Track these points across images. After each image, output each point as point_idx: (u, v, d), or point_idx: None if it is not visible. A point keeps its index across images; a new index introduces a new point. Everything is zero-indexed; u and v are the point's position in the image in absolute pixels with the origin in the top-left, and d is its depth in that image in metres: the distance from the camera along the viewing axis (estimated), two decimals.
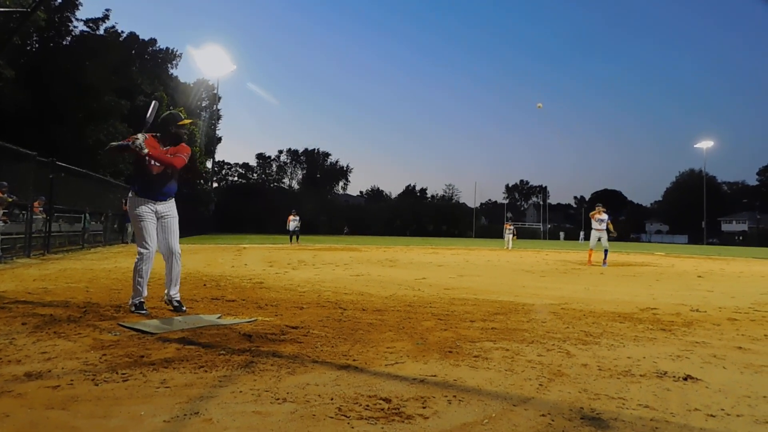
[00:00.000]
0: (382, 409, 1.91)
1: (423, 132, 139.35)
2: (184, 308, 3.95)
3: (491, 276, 8.24)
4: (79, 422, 1.72)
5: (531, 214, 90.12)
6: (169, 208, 4.04)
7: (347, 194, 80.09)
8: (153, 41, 35.46)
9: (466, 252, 18.30)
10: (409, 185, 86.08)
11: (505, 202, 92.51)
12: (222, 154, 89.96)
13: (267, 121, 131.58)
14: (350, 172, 77.95)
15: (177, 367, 2.39)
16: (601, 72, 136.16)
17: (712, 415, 1.96)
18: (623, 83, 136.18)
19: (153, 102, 4.10)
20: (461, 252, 18.12)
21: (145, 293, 3.88)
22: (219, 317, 3.71)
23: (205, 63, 37.22)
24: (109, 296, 4.63)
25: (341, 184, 78.45)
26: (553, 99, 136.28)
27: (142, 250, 3.84)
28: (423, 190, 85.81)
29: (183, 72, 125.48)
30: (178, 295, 4.03)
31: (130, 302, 3.86)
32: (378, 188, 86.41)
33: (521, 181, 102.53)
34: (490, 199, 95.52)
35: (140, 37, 34.32)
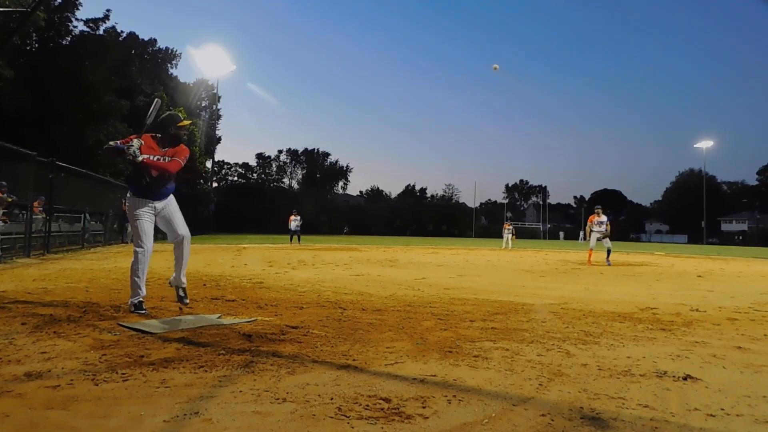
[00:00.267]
0: (382, 409, 1.91)
1: (423, 132, 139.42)
2: (187, 300, 4.06)
3: (491, 276, 8.24)
4: (79, 422, 1.72)
5: (531, 213, 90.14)
6: (168, 203, 4.07)
7: (347, 194, 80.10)
8: (153, 41, 35.46)
9: (466, 252, 18.30)
10: (409, 185, 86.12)
11: (505, 201, 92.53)
12: (222, 153, 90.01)
13: (267, 121, 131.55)
14: (350, 171, 77.98)
15: (177, 367, 2.39)
16: (601, 71, 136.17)
17: (711, 415, 1.96)
18: (623, 83, 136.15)
19: (156, 100, 4.12)
20: (461, 252, 18.12)
21: (144, 292, 3.88)
22: (219, 317, 3.71)
23: (204, 63, 37.20)
24: (108, 296, 4.63)
25: (341, 183, 78.50)
26: (553, 98, 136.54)
27: (137, 249, 3.89)
28: (423, 190, 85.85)
29: (183, 72, 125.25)
30: (185, 282, 4.13)
31: (129, 302, 3.86)
32: (378, 188, 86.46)
33: (521, 180, 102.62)
34: (489, 199, 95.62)
35: (140, 36, 34.34)
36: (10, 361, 2.41)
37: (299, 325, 3.48)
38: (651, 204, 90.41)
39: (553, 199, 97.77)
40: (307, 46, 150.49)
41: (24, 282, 5.62)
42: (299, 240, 21.13)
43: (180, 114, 4.98)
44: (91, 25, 27.92)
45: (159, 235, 4.59)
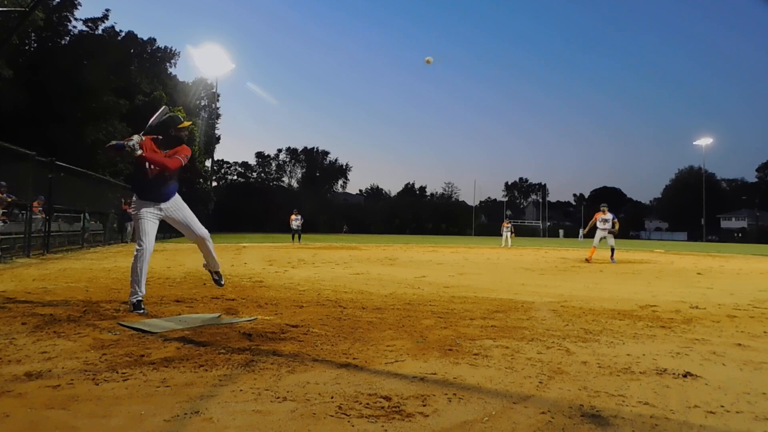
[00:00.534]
0: (383, 408, 1.91)
1: (422, 130, 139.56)
2: (223, 282, 4.51)
3: (491, 274, 8.24)
4: (80, 422, 1.72)
5: (530, 211, 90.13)
6: (175, 204, 4.10)
7: (346, 193, 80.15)
8: (152, 40, 35.47)
9: (466, 250, 18.30)
10: (409, 183, 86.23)
11: (505, 199, 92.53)
12: (221, 153, 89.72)
13: (266, 120, 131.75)
14: (349, 170, 78.09)
15: (177, 366, 2.39)
16: (600, 69, 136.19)
17: (711, 412, 1.96)
18: (623, 80, 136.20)
19: (163, 107, 4.17)
20: (461, 250, 18.12)
21: (143, 292, 3.88)
22: (219, 316, 3.71)
23: (203, 62, 37.06)
24: (108, 296, 4.63)
25: (340, 182, 78.55)
26: (553, 96, 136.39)
27: (137, 247, 3.93)
28: (422, 188, 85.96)
29: (182, 71, 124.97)
30: (218, 265, 4.44)
31: (129, 301, 3.86)
32: (377, 186, 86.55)
33: (520, 178, 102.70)
34: (489, 197, 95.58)
35: (139, 36, 34.33)
36: (10, 361, 2.41)
37: (299, 323, 3.48)
38: (650, 201, 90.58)
39: (552, 197, 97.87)
40: (306, 44, 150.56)
41: (24, 282, 5.61)
42: (299, 239, 21.21)
43: (180, 115, 5.02)
44: (90, 24, 27.90)
45: (159, 234, 4.60)
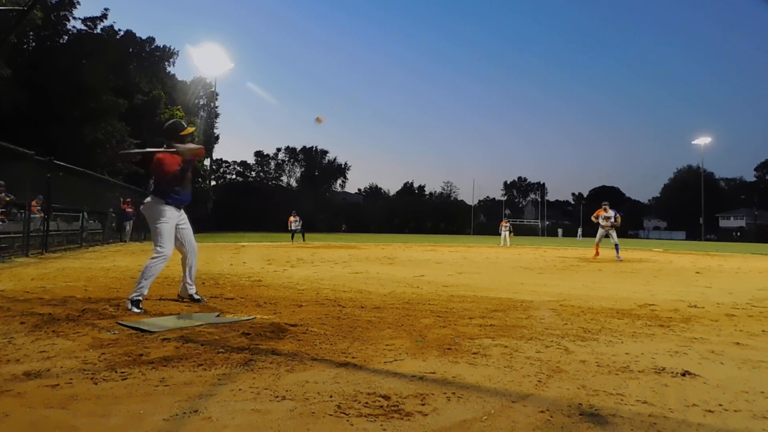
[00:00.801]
0: (381, 407, 1.91)
1: (421, 129, 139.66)
2: (204, 300, 4.35)
3: (490, 273, 8.24)
4: (79, 421, 1.72)
5: (529, 211, 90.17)
6: (184, 212, 4.33)
7: (345, 192, 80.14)
8: (150, 39, 35.37)
9: (465, 249, 18.31)
10: (408, 183, 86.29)
11: (503, 199, 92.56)
12: (220, 152, 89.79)
13: (265, 119, 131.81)
14: (348, 169, 78.10)
15: (176, 365, 2.39)
16: (599, 69, 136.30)
17: (710, 411, 1.96)
18: (622, 80, 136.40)
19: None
20: (460, 249, 18.13)
21: (146, 293, 3.92)
22: (218, 315, 3.71)
23: (202, 61, 36.93)
24: (107, 295, 4.63)
25: (339, 181, 78.54)
26: (552, 96, 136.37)
27: (159, 250, 4.01)
28: (421, 188, 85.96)
29: (180, 70, 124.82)
30: (194, 290, 4.40)
31: (128, 298, 3.85)
32: (376, 186, 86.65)
33: (519, 177, 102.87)
34: (488, 196, 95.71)
35: (138, 35, 34.24)
36: (9, 361, 2.41)
37: (298, 323, 3.48)
38: (649, 200, 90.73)
39: (551, 196, 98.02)
40: (305, 43, 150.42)
41: (22, 281, 5.61)
42: (303, 238, 21.33)
43: (179, 115, 5.12)
44: (88, 23, 27.77)
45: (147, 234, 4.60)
